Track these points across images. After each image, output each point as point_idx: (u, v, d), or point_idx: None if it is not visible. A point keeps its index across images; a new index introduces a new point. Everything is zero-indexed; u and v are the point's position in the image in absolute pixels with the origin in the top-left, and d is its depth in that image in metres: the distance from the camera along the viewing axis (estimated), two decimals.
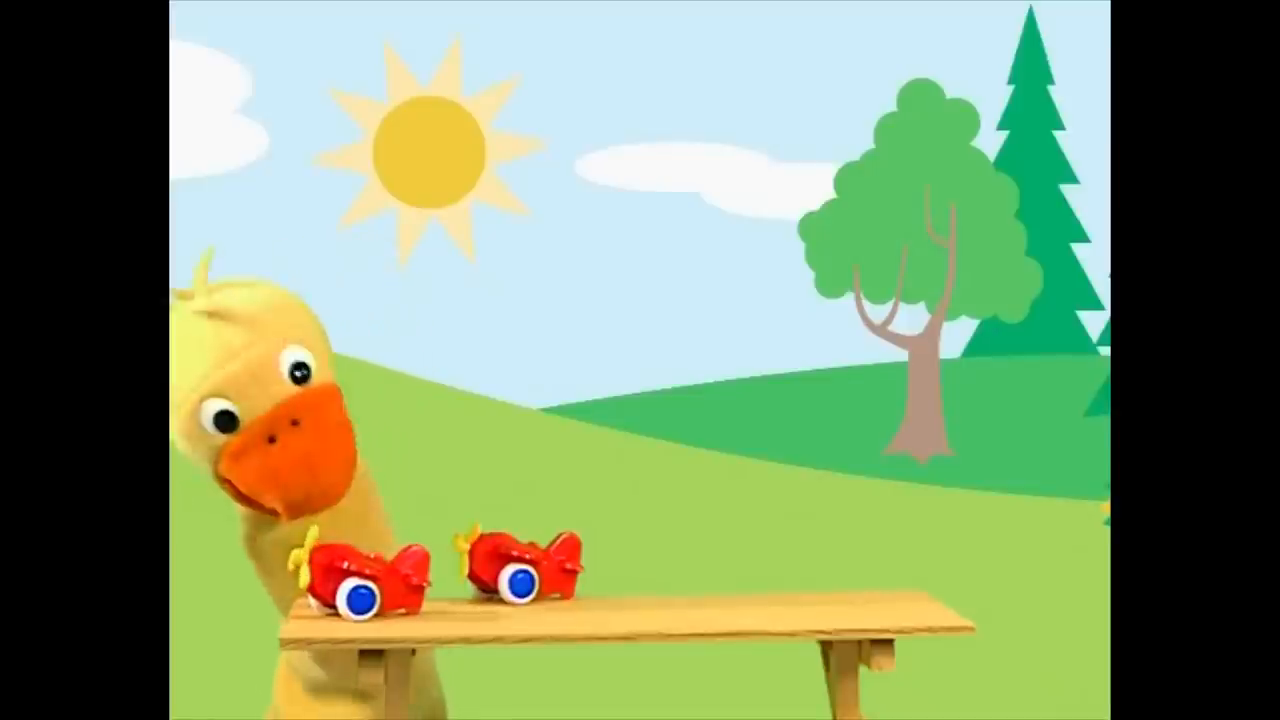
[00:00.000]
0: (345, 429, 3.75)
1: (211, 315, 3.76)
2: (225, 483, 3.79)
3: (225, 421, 3.70)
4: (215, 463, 3.76)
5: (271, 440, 3.70)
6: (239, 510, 3.90)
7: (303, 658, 3.93)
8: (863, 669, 3.80)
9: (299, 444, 3.70)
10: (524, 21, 10.69)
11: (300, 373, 3.74)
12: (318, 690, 3.99)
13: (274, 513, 3.76)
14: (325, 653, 3.83)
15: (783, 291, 10.97)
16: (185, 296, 3.81)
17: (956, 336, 12.18)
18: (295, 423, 3.71)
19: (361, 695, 3.90)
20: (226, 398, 3.70)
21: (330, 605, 3.71)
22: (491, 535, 3.98)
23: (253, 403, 3.69)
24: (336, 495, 3.74)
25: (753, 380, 11.54)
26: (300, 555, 3.70)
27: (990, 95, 12.16)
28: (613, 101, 10.97)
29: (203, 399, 3.71)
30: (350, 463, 3.73)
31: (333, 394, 3.77)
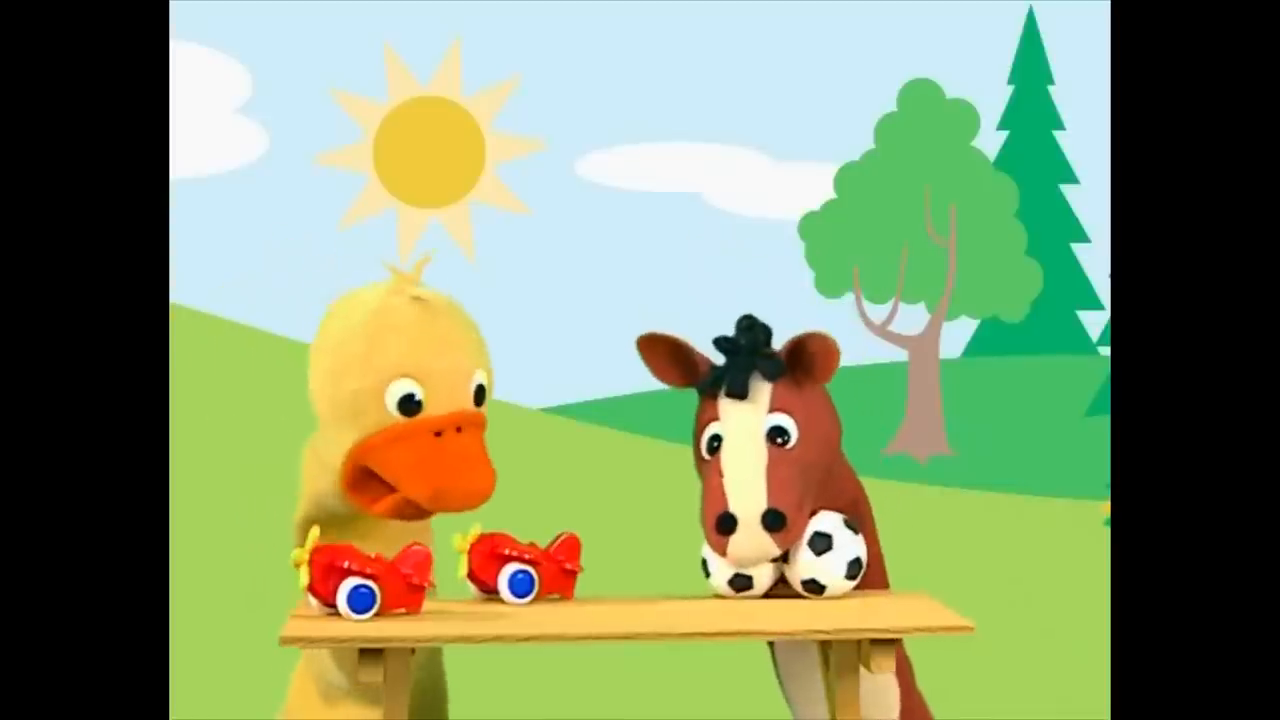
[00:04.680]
0: (487, 453, 3.87)
1: (428, 307, 3.84)
2: (356, 473, 3.81)
3: (409, 405, 3.77)
4: (361, 443, 3.79)
5: (437, 435, 3.77)
6: (314, 496, 3.91)
7: (322, 660, 3.93)
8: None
9: (461, 445, 3.79)
10: (524, 21, 10.68)
11: (480, 395, 3.86)
12: (333, 693, 3.99)
13: (406, 506, 3.77)
14: (339, 654, 3.83)
15: (783, 291, 10.96)
16: (404, 279, 3.87)
17: (956, 336, 12.16)
18: (459, 429, 3.79)
19: (376, 699, 3.89)
20: (423, 385, 3.76)
21: (330, 604, 3.71)
22: (491, 535, 3.98)
23: (438, 402, 3.77)
24: (478, 501, 3.81)
25: None
26: (300, 555, 3.70)
27: (990, 95, 12.14)
28: (613, 101, 10.96)
29: (399, 377, 3.76)
30: (492, 481, 3.81)
31: (484, 423, 3.88)
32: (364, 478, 3.81)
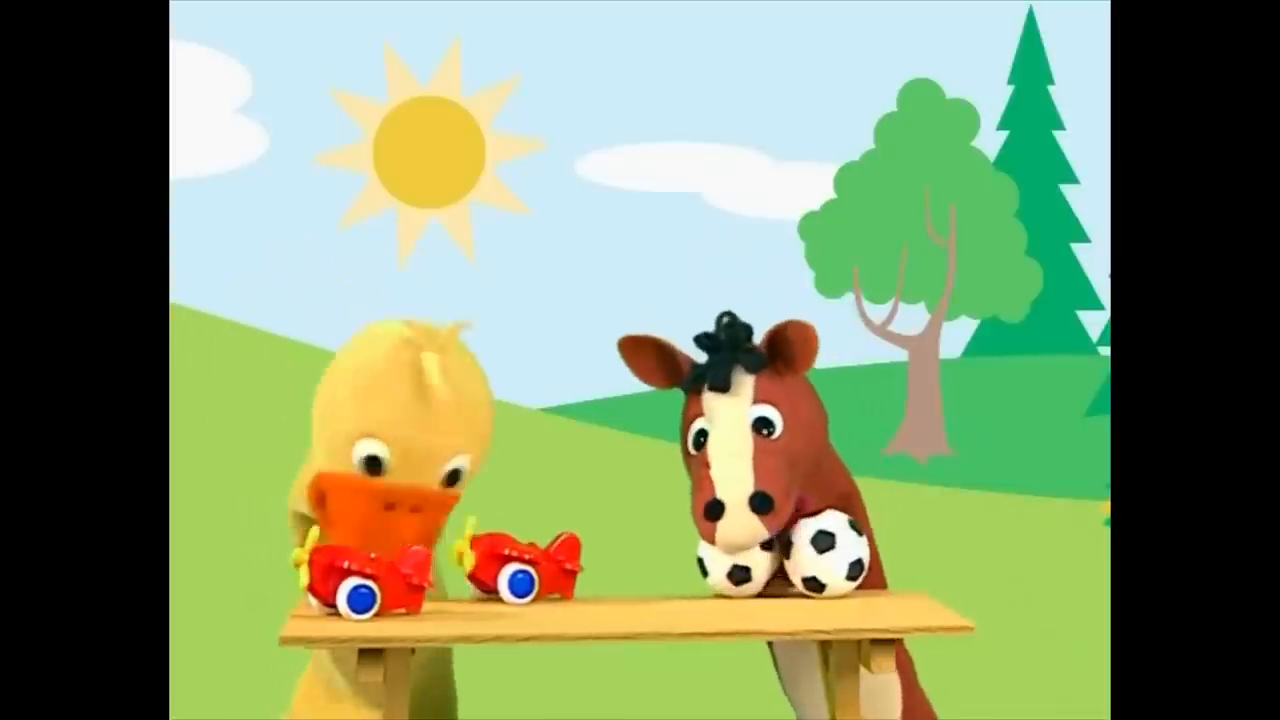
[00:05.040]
0: (434, 537, 3.86)
1: (436, 374, 3.79)
2: (317, 494, 3.82)
3: (372, 465, 3.78)
4: (326, 474, 3.80)
5: (389, 508, 3.77)
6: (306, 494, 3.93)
7: (326, 661, 3.94)
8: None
9: (406, 527, 3.78)
10: (524, 21, 10.68)
11: (452, 480, 3.85)
12: (339, 695, 3.99)
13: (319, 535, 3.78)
14: (339, 655, 3.83)
15: (783, 291, 10.96)
16: (426, 339, 3.83)
17: (956, 336, 12.17)
18: (415, 509, 3.80)
19: (380, 701, 3.88)
20: (391, 451, 3.76)
21: (330, 604, 3.71)
22: (491, 535, 3.98)
23: (402, 471, 3.78)
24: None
25: None
26: (301, 555, 3.70)
27: (990, 95, 12.14)
28: (613, 101, 10.96)
29: (369, 436, 3.76)
30: (427, 578, 3.76)
31: (451, 504, 3.87)
32: (322, 500, 3.83)
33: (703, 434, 3.94)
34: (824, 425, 4.03)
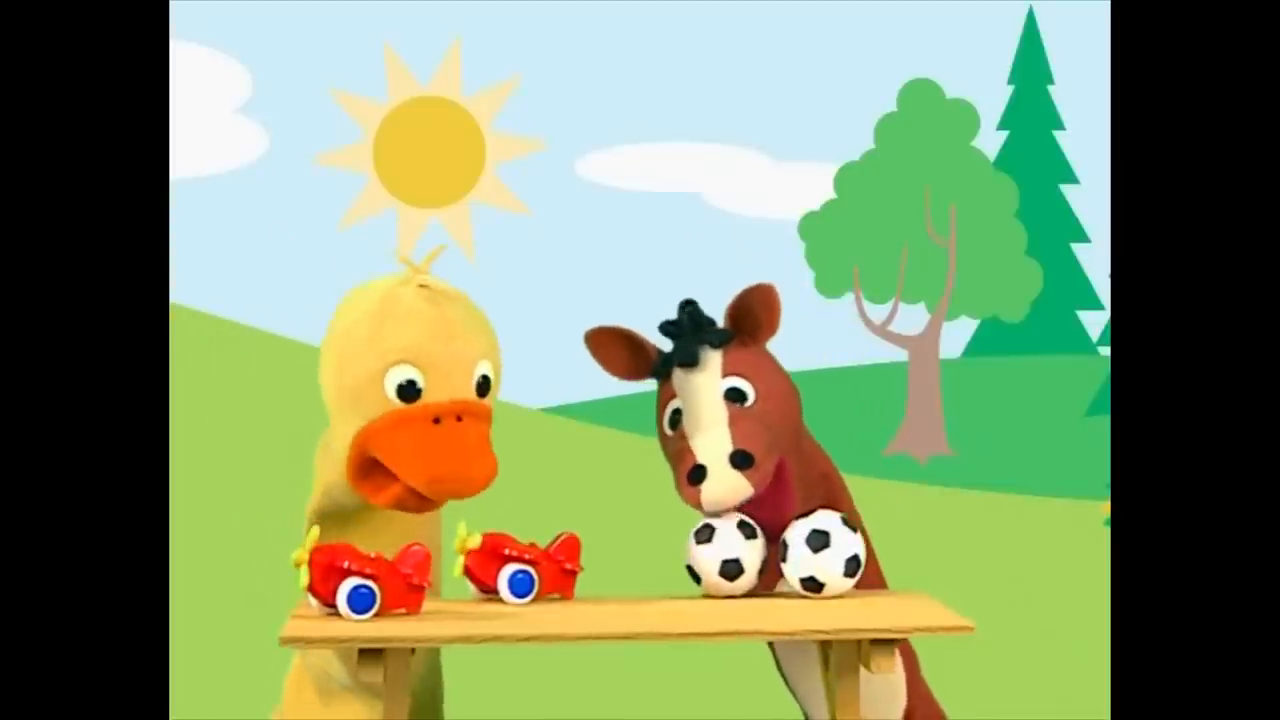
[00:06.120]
0: (490, 444, 3.87)
1: (435, 296, 3.87)
2: (362, 461, 3.81)
3: (409, 392, 3.78)
4: (363, 430, 3.80)
5: (436, 421, 3.77)
6: (325, 488, 3.93)
7: (323, 656, 3.93)
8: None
9: (461, 433, 3.79)
10: (524, 21, 10.68)
11: (483, 389, 3.87)
12: (330, 691, 3.99)
13: (409, 496, 3.78)
14: (341, 651, 3.83)
15: (783, 291, 10.95)
16: (413, 268, 3.92)
17: (956, 336, 12.16)
18: (459, 419, 3.79)
19: (375, 694, 3.88)
20: (423, 372, 3.78)
21: (330, 604, 3.71)
22: (491, 535, 3.98)
23: (438, 389, 3.79)
24: (477, 488, 3.81)
25: None
26: (301, 555, 3.70)
27: (990, 95, 12.14)
28: (613, 101, 10.96)
29: (399, 363, 3.78)
30: (493, 470, 3.81)
31: (489, 415, 3.89)
32: (369, 467, 3.82)
33: (678, 413, 3.97)
34: (797, 400, 4.05)
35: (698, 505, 3.92)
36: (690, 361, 3.96)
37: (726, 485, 3.88)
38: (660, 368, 4.03)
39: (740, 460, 3.86)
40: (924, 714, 4.15)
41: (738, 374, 3.96)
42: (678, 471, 3.93)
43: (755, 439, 3.89)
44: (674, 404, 3.98)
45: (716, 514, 3.94)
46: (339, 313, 3.94)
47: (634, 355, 4.06)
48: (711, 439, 3.89)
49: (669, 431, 3.99)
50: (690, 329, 4.00)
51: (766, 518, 3.97)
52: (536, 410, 11.14)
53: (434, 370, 3.79)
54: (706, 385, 3.95)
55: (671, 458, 3.99)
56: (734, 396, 3.94)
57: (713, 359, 3.98)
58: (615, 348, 4.06)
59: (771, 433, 3.92)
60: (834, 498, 4.07)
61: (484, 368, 3.87)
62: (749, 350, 4.00)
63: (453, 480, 3.78)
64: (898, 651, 3.89)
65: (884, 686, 3.99)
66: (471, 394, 3.83)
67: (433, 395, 3.78)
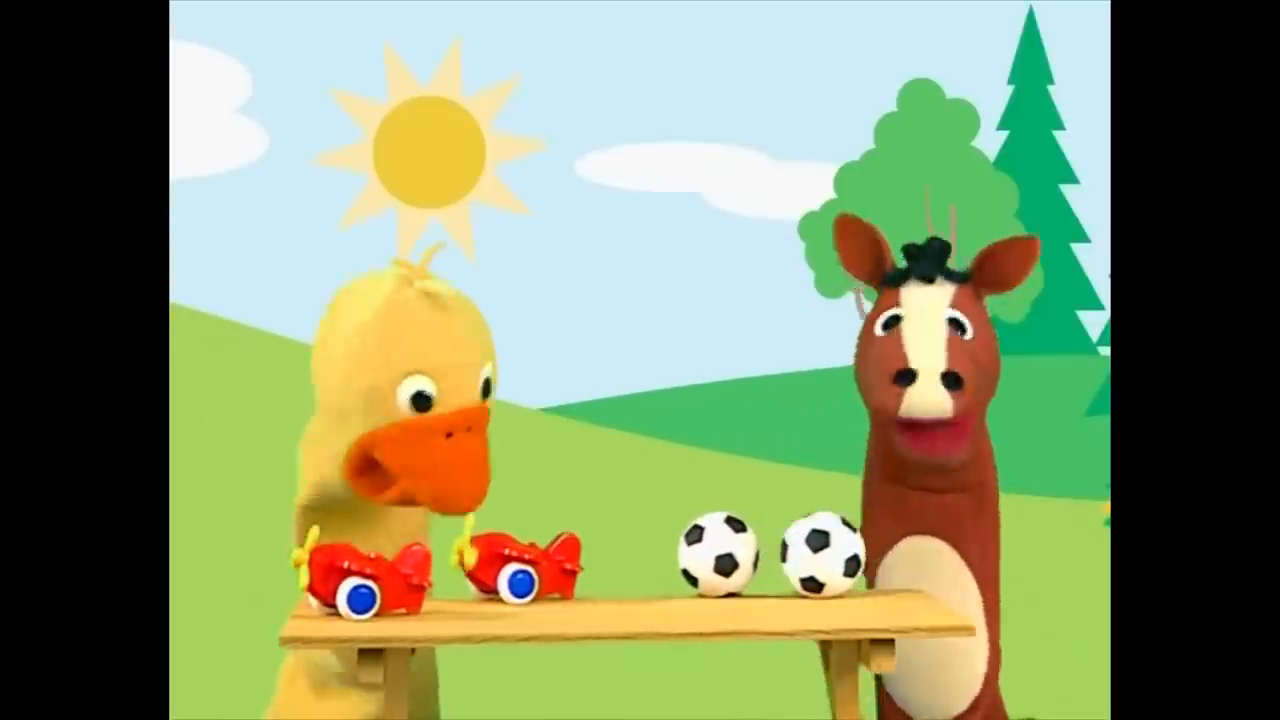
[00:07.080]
0: (488, 456, 3.92)
1: (439, 301, 3.89)
2: (362, 460, 3.81)
3: (421, 402, 3.81)
4: (371, 435, 3.80)
5: (449, 436, 3.80)
6: (316, 484, 3.92)
7: (316, 658, 3.94)
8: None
9: (470, 448, 3.82)
10: (524, 21, 10.68)
11: (485, 392, 3.91)
12: (323, 686, 3.99)
13: (403, 497, 3.79)
14: (340, 649, 3.83)
15: (783, 291, 10.94)
16: (412, 273, 3.92)
17: None
18: (469, 429, 3.84)
19: (368, 689, 3.89)
20: (434, 382, 3.80)
21: (330, 605, 3.71)
22: (491, 535, 3.98)
23: (449, 398, 3.82)
24: (474, 506, 3.86)
25: (753, 380, 11.53)
26: (300, 555, 3.70)
27: (990, 95, 12.13)
28: (613, 101, 10.95)
29: (413, 374, 3.80)
30: (488, 486, 3.87)
31: (488, 418, 3.93)
32: (368, 466, 3.83)
33: (895, 318, 4.06)
34: (999, 362, 4.13)
35: (893, 408, 3.94)
36: (930, 278, 4.04)
37: (933, 395, 3.93)
38: (891, 278, 4.11)
39: (951, 381, 3.91)
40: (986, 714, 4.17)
41: (963, 310, 4.05)
42: (878, 370, 3.97)
43: (969, 367, 3.96)
44: (893, 310, 4.06)
45: (908, 419, 3.95)
46: (337, 310, 3.93)
47: (874, 254, 4.15)
48: (930, 349, 3.95)
49: (879, 333, 4.01)
50: (935, 254, 4.10)
51: (942, 449, 3.98)
52: (536, 410, 11.14)
53: (444, 380, 3.82)
54: (935, 303, 4.04)
55: (873, 359, 4.02)
56: (955, 325, 4.01)
57: (946, 287, 4.07)
58: (862, 240, 4.16)
59: (981, 373, 3.97)
60: (982, 476, 4.13)
61: (487, 371, 3.90)
62: (978, 297, 4.10)
63: (457, 498, 3.84)
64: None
65: (964, 654, 4.01)
66: (478, 399, 3.87)
67: (443, 404, 3.81)
